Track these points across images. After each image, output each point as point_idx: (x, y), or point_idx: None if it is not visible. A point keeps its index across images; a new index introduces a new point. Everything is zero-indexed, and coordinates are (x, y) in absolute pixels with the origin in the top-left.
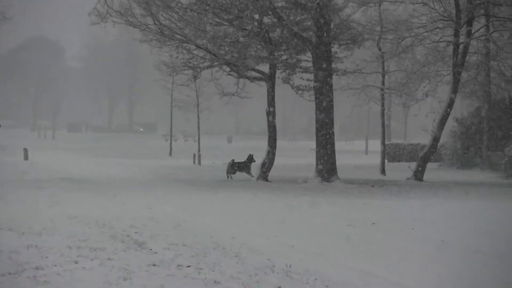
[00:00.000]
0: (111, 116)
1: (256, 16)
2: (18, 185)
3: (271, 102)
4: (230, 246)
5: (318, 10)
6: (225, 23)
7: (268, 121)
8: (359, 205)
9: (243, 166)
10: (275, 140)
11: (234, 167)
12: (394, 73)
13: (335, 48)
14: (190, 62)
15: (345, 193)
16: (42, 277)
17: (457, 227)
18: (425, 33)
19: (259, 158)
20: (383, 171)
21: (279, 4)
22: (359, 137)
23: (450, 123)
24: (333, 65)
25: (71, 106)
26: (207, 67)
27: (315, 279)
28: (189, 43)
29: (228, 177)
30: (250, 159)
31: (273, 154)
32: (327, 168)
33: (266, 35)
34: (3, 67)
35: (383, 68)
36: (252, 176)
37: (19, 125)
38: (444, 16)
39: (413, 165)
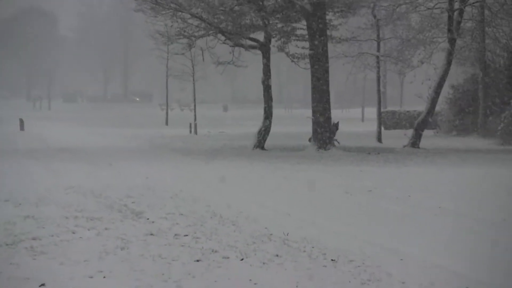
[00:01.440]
0: (106, 86)
1: None
2: (14, 156)
3: (266, 70)
4: (227, 215)
5: None
6: None
7: (264, 90)
8: (356, 172)
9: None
10: (271, 108)
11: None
12: (389, 40)
13: (330, 16)
14: (185, 31)
15: (341, 160)
16: (39, 247)
17: (454, 194)
18: (420, 0)
19: (256, 126)
20: (379, 139)
21: None
22: (355, 104)
23: (446, 90)
24: (328, 33)
25: (66, 76)
26: (202, 36)
27: (312, 247)
28: (183, 12)
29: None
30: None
31: (269, 123)
32: (323, 136)
33: (261, 3)
34: None
35: (378, 36)
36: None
37: (14, 96)
38: None
39: (409, 132)
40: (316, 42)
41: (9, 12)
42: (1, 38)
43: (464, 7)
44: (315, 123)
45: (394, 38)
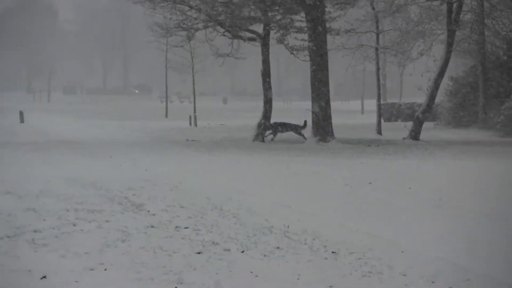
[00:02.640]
0: (105, 78)
1: None
2: (14, 148)
3: (265, 62)
4: (228, 207)
5: None
6: None
7: (263, 82)
8: (356, 165)
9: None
10: (270, 100)
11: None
12: (389, 32)
13: (328, 8)
14: (183, 23)
15: (341, 153)
16: (40, 240)
17: (454, 186)
18: None
19: (255, 118)
20: (379, 131)
21: None
22: (354, 97)
23: (446, 82)
24: (327, 25)
25: (66, 69)
26: (201, 28)
27: (313, 239)
28: (182, 4)
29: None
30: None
31: (269, 115)
32: (323, 128)
33: None
34: None
35: (377, 27)
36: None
37: (14, 88)
38: None
39: (409, 124)
40: (315, 34)
41: (9, 4)
42: (1, 30)
43: None
44: (315, 115)
45: (393, 30)
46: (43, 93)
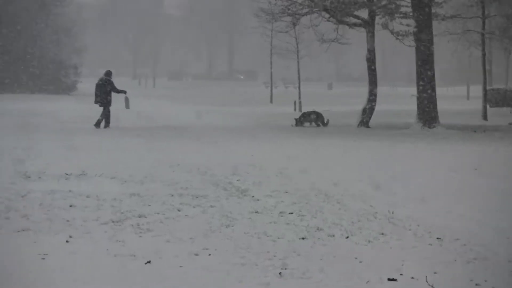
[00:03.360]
0: (210, 64)
1: None
2: (119, 134)
3: (370, 48)
4: (332, 193)
5: None
6: None
7: (368, 67)
8: (461, 150)
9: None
10: (375, 86)
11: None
12: (495, 17)
13: None
14: (288, 9)
15: (446, 138)
16: (145, 225)
17: None
18: None
19: (360, 104)
20: (484, 117)
21: None
22: (460, 82)
23: None
24: (433, 10)
25: (171, 54)
26: (306, 14)
27: (418, 225)
28: None
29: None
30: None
31: (374, 101)
32: (428, 114)
33: None
34: (103, 15)
35: (483, 13)
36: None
37: (120, 74)
38: None
39: None
40: (420, 20)
41: None
42: (109, 16)
43: None
44: (420, 100)
45: (500, 16)
46: (148, 79)
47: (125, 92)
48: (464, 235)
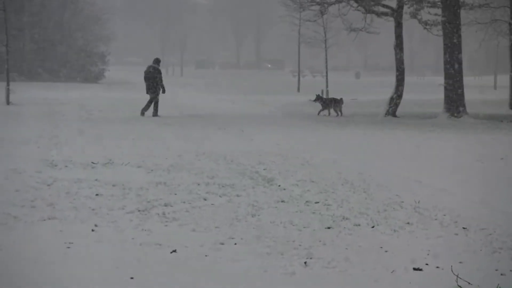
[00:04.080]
0: (238, 52)
1: None
2: (145, 122)
3: (398, 37)
4: (358, 182)
5: None
6: None
7: (396, 57)
8: (488, 140)
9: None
10: (403, 75)
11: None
12: None
13: None
14: None
15: (473, 128)
16: (170, 213)
17: None
18: None
19: (387, 94)
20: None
21: None
22: (487, 72)
23: None
24: None
25: (198, 43)
26: (334, 3)
27: (444, 215)
28: None
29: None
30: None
31: (401, 90)
32: (455, 103)
33: None
34: (131, 3)
35: (511, 2)
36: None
37: (147, 62)
38: None
39: None
40: (448, 9)
41: None
42: (136, 4)
43: None
44: (447, 90)
45: None
46: (176, 67)
47: (164, 91)
48: (489, 225)
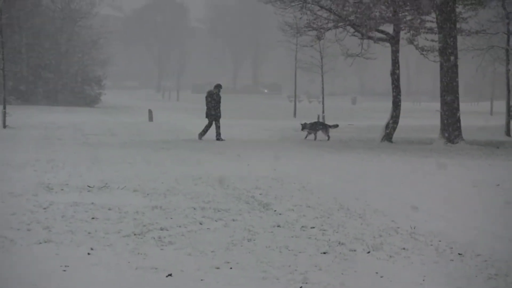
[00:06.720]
0: (235, 77)
1: None
2: (142, 146)
3: (395, 63)
4: (354, 208)
5: None
6: None
7: (392, 82)
8: (484, 166)
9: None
10: (399, 101)
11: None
12: None
13: (459, 8)
14: (314, 23)
15: (469, 154)
16: (166, 237)
17: None
18: None
19: (384, 119)
20: (508, 133)
21: None
22: (484, 98)
23: None
24: (458, 26)
25: (196, 67)
26: (331, 28)
27: (439, 241)
28: (313, 4)
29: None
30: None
31: (397, 115)
32: (451, 129)
33: None
34: (128, 28)
35: (508, 29)
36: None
37: (144, 86)
38: None
39: None
40: (445, 35)
41: (142, 3)
42: (134, 28)
43: None
44: (444, 116)
45: None
46: (172, 91)
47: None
48: (485, 251)
